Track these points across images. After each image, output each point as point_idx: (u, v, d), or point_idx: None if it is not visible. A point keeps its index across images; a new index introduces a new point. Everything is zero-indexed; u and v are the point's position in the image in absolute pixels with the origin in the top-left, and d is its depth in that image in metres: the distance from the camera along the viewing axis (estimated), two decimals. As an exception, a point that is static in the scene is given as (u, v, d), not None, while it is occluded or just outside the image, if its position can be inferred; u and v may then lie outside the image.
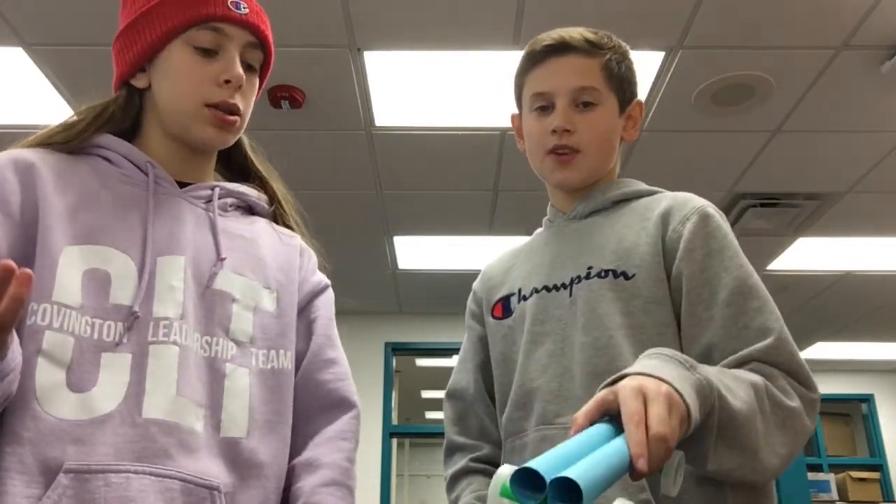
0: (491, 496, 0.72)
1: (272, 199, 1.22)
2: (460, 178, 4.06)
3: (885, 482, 6.59)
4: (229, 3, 1.08)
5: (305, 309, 1.17)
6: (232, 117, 1.08)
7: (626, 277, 1.11)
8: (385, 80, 3.26)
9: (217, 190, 1.13)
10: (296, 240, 1.22)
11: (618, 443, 0.75)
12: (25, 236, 0.96)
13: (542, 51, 1.21)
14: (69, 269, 0.96)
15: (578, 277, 1.16)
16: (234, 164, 1.22)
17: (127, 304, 0.98)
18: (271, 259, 1.15)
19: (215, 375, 1.02)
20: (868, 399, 6.98)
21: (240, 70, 1.08)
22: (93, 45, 2.94)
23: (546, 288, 1.19)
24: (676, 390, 0.80)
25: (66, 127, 1.08)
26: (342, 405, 1.13)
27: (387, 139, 3.70)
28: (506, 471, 0.71)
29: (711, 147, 3.77)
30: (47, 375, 0.91)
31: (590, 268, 1.15)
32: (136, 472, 0.91)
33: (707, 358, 1.03)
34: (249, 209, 1.19)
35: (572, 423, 0.79)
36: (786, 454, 0.96)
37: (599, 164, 1.22)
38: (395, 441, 6.22)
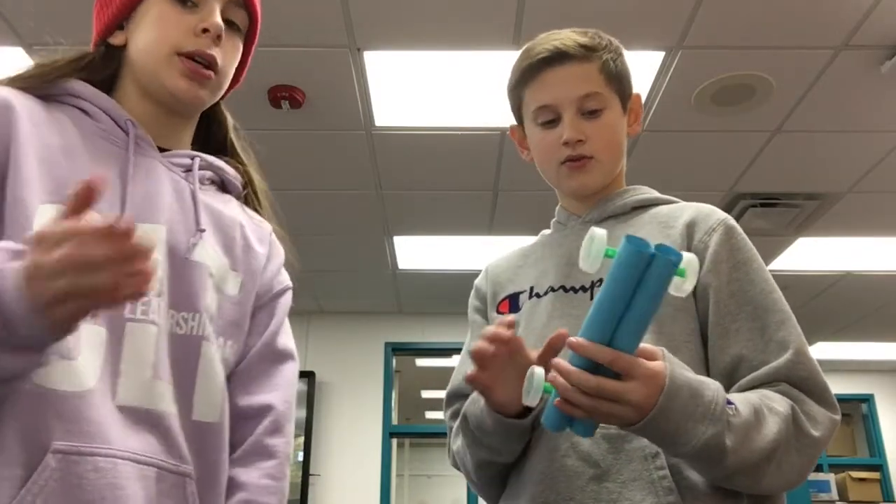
0: (593, 256, 0.86)
1: (246, 183, 1.17)
2: (460, 178, 4.06)
3: (885, 482, 6.58)
4: None
5: (266, 306, 1.11)
6: (207, 70, 1.03)
7: None
8: (385, 80, 3.26)
9: (197, 160, 1.08)
10: (267, 227, 1.17)
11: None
12: None
13: (538, 62, 1.18)
14: None
15: (601, 281, 1.13)
16: (214, 143, 1.17)
17: None
18: (241, 241, 1.10)
19: (189, 355, 0.97)
20: (868, 399, 6.96)
21: (218, 19, 1.03)
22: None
23: (563, 288, 1.17)
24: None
25: (39, 67, 1.01)
26: (264, 412, 1.05)
27: (387, 139, 3.70)
28: (602, 233, 0.86)
29: (711, 147, 3.77)
30: None
31: None
32: (122, 458, 0.86)
33: (736, 367, 1.06)
34: (223, 186, 1.14)
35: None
36: (793, 480, 1.00)
37: (613, 167, 1.22)
38: (395, 441, 6.21)
